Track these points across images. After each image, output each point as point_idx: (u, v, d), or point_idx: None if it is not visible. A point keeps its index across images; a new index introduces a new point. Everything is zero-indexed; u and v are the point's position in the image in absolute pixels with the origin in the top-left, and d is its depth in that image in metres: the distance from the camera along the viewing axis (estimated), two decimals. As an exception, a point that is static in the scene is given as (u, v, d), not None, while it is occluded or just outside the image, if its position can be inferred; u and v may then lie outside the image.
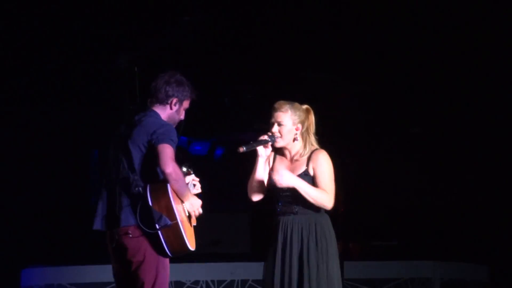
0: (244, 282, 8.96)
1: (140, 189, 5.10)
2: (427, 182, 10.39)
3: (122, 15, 8.84)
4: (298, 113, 5.41)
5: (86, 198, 9.74)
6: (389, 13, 8.81)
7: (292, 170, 5.39)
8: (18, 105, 9.60)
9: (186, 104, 5.42)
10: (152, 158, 5.11)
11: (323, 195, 5.31)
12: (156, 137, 5.12)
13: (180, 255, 5.19)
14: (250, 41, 9.44)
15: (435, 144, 10.30)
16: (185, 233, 5.09)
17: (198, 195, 5.53)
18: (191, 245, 5.16)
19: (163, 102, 5.36)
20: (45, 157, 9.84)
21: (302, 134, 5.44)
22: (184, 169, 5.54)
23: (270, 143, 5.41)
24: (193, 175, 5.60)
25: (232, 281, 8.98)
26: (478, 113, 9.84)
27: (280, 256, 5.35)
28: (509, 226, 9.78)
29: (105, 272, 6.40)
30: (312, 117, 5.49)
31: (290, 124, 5.40)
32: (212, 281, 8.97)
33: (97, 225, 5.28)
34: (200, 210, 5.32)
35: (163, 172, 5.08)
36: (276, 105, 5.42)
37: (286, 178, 5.31)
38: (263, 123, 5.50)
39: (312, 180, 5.35)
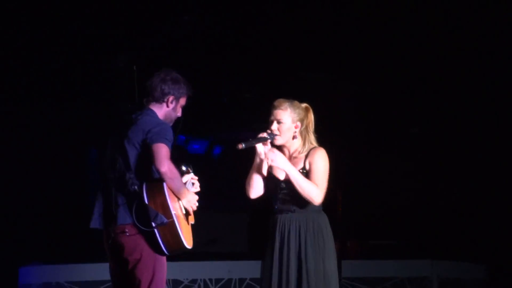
0: (241, 280, 8.97)
1: (136, 187, 5.12)
2: (425, 181, 10.39)
3: (121, 14, 8.85)
4: (297, 111, 5.42)
5: (84, 196, 9.74)
6: (387, 12, 8.83)
7: (290, 167, 5.41)
8: (16, 103, 9.59)
9: (182, 101, 5.44)
10: (148, 157, 5.12)
11: (313, 187, 5.31)
12: (151, 136, 5.13)
13: (177, 253, 5.20)
14: (249, 40, 9.45)
15: (433, 144, 10.31)
16: (181, 231, 5.10)
17: (196, 194, 5.54)
18: (187, 243, 5.17)
19: (160, 100, 5.37)
20: (43, 156, 9.83)
21: (301, 132, 5.46)
22: (184, 167, 5.55)
23: (269, 141, 5.42)
24: (192, 173, 5.61)
25: (230, 280, 8.99)
26: (476, 112, 9.84)
27: (278, 254, 5.35)
28: (507, 225, 9.79)
29: (103, 270, 6.39)
30: (311, 115, 5.50)
31: (290, 122, 5.41)
32: (210, 280, 8.98)
33: (94, 223, 5.29)
34: (197, 204, 5.33)
35: (158, 171, 5.09)
36: (276, 103, 5.43)
37: (280, 159, 5.31)
38: (262, 122, 5.51)
39: (307, 176, 5.36)
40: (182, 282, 8.95)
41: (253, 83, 10.16)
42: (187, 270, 8.96)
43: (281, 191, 5.40)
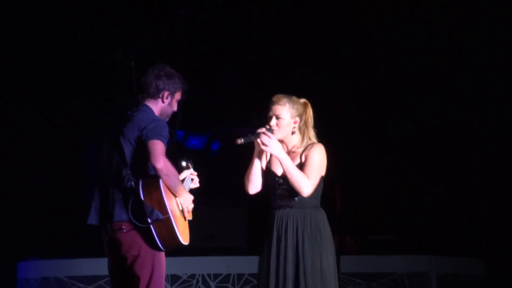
0: (240, 276, 8.97)
1: (133, 183, 5.11)
2: (423, 177, 10.40)
3: (119, 10, 8.84)
4: (296, 106, 5.42)
5: (83, 192, 9.73)
6: (384, 8, 8.83)
7: (288, 163, 5.40)
8: (14, 99, 9.59)
9: (178, 96, 5.43)
10: (144, 154, 5.12)
11: (303, 178, 5.29)
12: (146, 133, 5.13)
13: (173, 249, 5.20)
14: (247, 35, 9.44)
15: (432, 140, 10.31)
16: (177, 228, 5.09)
17: (194, 190, 5.54)
18: (183, 239, 5.16)
19: (155, 96, 5.36)
20: (42, 151, 9.84)
21: (300, 127, 5.45)
22: (184, 163, 5.55)
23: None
24: (191, 169, 5.61)
25: (228, 275, 8.99)
26: (474, 108, 9.85)
27: (275, 249, 5.35)
28: (505, 220, 9.80)
29: (101, 266, 6.40)
30: (310, 111, 5.49)
31: (288, 117, 5.40)
32: (209, 275, 8.98)
33: (92, 219, 5.29)
34: (192, 205, 5.33)
35: (154, 168, 5.09)
36: (274, 98, 5.43)
37: (273, 144, 5.30)
38: (260, 117, 5.51)
39: (301, 169, 5.35)
40: (180, 277, 8.96)
41: (251, 78, 10.15)
42: (185, 266, 8.97)
43: (279, 186, 5.40)
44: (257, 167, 5.47)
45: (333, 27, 9.21)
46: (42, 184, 9.84)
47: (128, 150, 5.18)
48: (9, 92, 9.45)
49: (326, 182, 5.46)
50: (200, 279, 8.96)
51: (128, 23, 8.96)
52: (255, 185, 5.49)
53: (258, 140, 5.34)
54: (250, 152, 5.49)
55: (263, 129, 5.39)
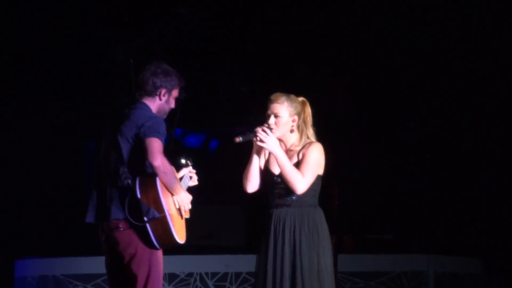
0: (238, 274, 8.97)
1: (130, 181, 5.11)
2: (421, 176, 10.40)
3: (118, 8, 8.83)
4: (294, 104, 5.41)
5: (80, 190, 9.73)
6: (383, 6, 8.83)
7: (286, 161, 5.40)
8: (14, 96, 9.58)
9: (175, 93, 5.42)
10: (141, 151, 5.11)
11: (298, 175, 5.29)
12: (143, 130, 5.11)
13: (169, 247, 5.18)
14: (246, 34, 9.44)
15: (430, 139, 10.31)
16: (173, 226, 5.08)
17: (193, 188, 5.53)
18: (179, 238, 5.15)
19: (152, 94, 5.35)
20: (40, 149, 9.83)
21: (298, 126, 5.45)
22: (183, 160, 5.54)
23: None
24: (190, 167, 5.60)
25: (226, 274, 8.99)
26: (472, 107, 9.85)
27: (272, 248, 5.34)
28: (503, 219, 9.80)
29: (99, 264, 6.39)
30: (308, 109, 5.49)
31: (287, 115, 5.40)
32: (206, 274, 8.98)
33: (89, 218, 5.28)
34: (190, 206, 5.32)
35: (151, 166, 5.08)
36: (272, 96, 5.42)
37: (270, 141, 5.30)
38: (259, 115, 5.50)
39: (297, 167, 5.35)
40: (178, 276, 8.95)
41: (250, 76, 10.15)
42: (183, 264, 8.96)
43: (277, 185, 5.40)
44: (255, 165, 5.47)
45: (332, 25, 9.21)
46: (40, 182, 9.83)
47: (125, 148, 5.17)
48: (6, 89, 9.44)
49: (324, 181, 5.45)
50: (198, 278, 8.96)
51: (127, 21, 8.95)
52: (253, 183, 5.49)
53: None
54: (248, 150, 5.48)
55: (262, 128, 5.39)
